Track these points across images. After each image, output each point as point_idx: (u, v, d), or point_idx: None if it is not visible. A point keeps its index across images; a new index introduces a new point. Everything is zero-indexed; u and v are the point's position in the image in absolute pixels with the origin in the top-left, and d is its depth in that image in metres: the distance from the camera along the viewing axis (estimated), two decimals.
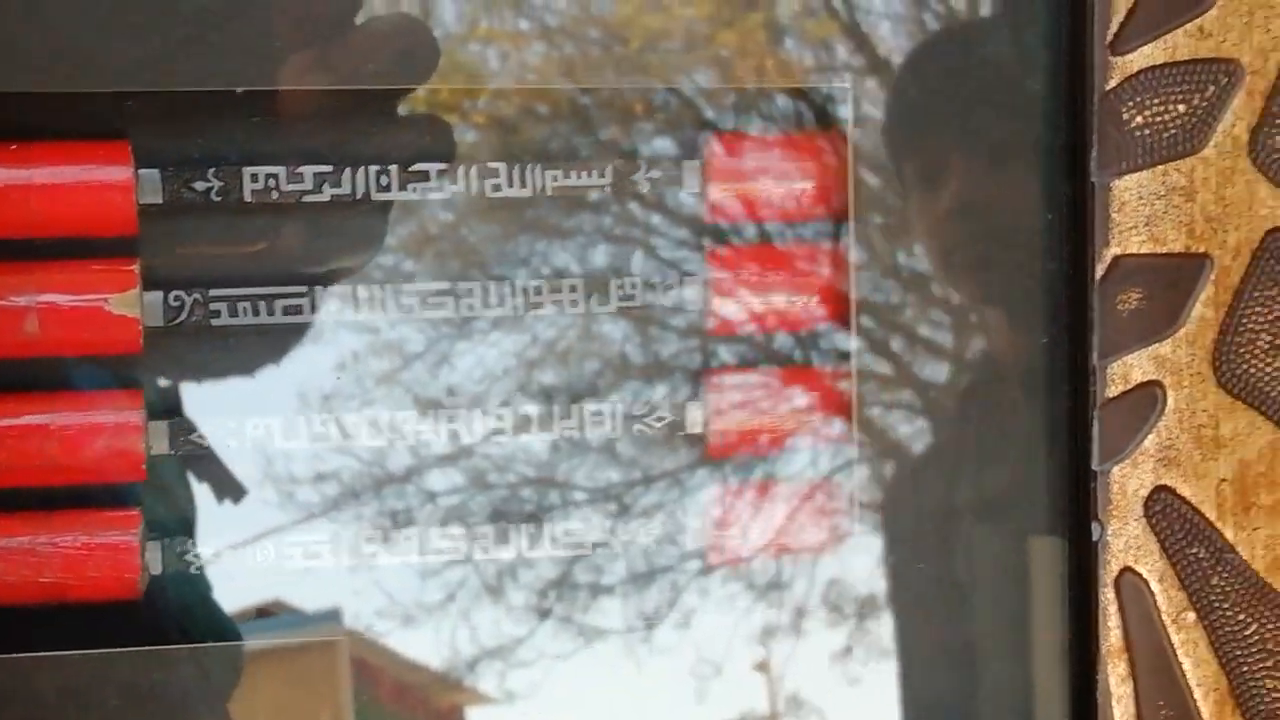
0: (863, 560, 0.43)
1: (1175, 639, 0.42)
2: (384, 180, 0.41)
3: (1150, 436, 0.41)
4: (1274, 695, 0.42)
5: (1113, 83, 0.40)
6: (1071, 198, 0.41)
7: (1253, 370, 0.41)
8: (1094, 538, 0.41)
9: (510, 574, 0.43)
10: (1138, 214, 0.41)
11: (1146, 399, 0.41)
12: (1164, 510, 0.41)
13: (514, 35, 0.41)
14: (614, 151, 0.41)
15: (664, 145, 0.42)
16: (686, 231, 0.42)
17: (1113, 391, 0.41)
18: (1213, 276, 0.41)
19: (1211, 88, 0.41)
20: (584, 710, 0.44)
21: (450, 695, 0.44)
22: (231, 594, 0.42)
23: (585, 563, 0.44)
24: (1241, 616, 0.42)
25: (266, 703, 0.43)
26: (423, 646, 0.44)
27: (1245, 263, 0.41)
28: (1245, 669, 0.42)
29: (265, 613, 0.43)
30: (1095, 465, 0.41)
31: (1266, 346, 0.41)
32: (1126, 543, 0.41)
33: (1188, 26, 0.40)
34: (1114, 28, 0.40)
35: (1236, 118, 0.41)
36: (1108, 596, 0.41)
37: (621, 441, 0.43)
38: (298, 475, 0.43)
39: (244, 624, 0.43)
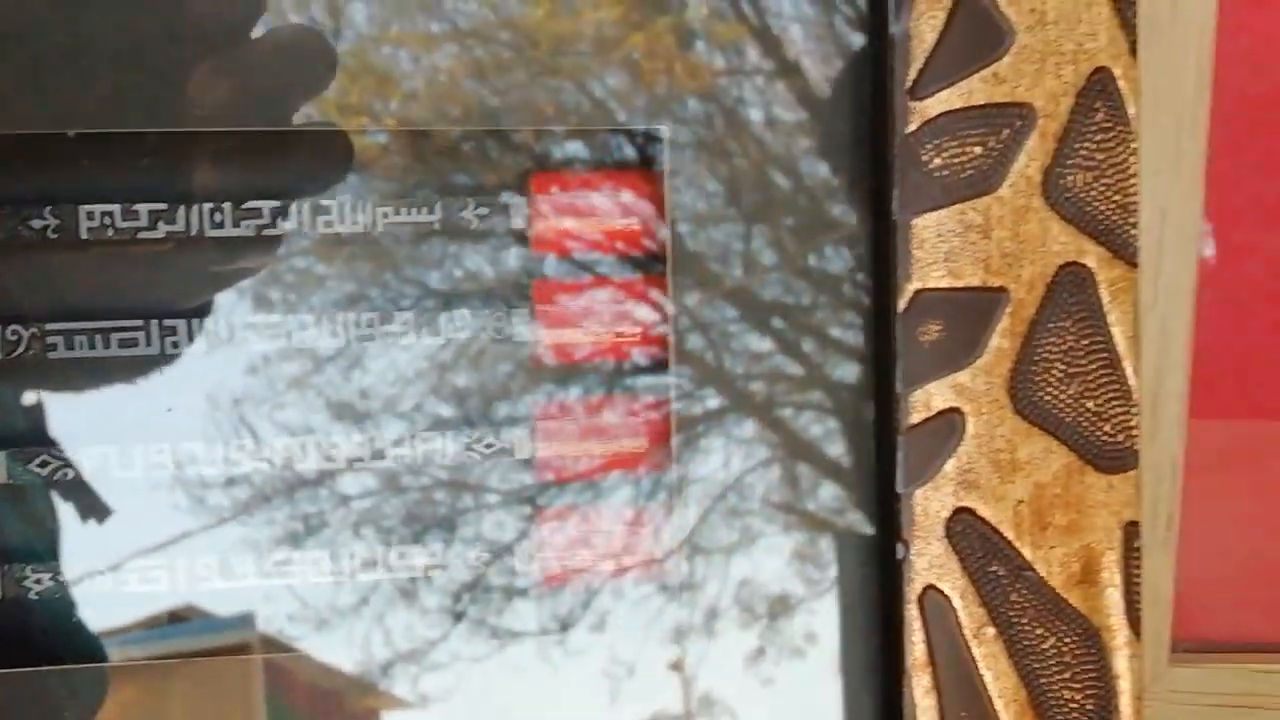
0: (676, 580, 0.45)
1: (976, 652, 0.44)
2: (218, 217, 0.42)
3: (951, 461, 0.43)
4: (1071, 705, 0.44)
5: (912, 126, 0.43)
6: (876, 235, 0.44)
7: (1047, 397, 0.44)
8: (899, 557, 0.44)
9: (424, 577, 0.45)
10: (937, 250, 0.43)
11: (947, 425, 0.43)
12: (965, 531, 0.44)
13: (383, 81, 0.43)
14: (445, 188, 0.43)
15: (492, 182, 0.43)
16: (515, 265, 0.44)
17: (915, 419, 0.43)
18: (1009, 309, 0.43)
19: (1006, 131, 0.43)
20: (498, 713, 0.45)
21: (364, 699, 0.45)
22: (141, 600, 0.43)
23: (499, 565, 0.45)
24: (1039, 630, 0.44)
25: (178, 708, 0.43)
26: (336, 650, 0.44)
27: (1039, 296, 0.43)
28: (1043, 680, 0.44)
29: (178, 618, 0.44)
30: (900, 488, 0.43)
31: (1060, 375, 0.44)
32: (930, 562, 0.44)
33: (983, 73, 0.43)
34: (913, 74, 0.42)
35: (1030, 159, 0.43)
36: (912, 613, 0.44)
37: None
38: (208, 479, 0.43)
39: (157, 629, 0.43)
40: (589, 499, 0.45)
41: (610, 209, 0.44)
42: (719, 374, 0.45)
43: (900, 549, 0.44)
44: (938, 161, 0.43)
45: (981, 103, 0.43)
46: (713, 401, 0.45)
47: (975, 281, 0.43)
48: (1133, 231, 0.44)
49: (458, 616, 0.45)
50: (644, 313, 0.44)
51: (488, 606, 0.45)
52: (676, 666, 0.45)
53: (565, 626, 0.45)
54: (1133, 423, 0.44)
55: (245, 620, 0.44)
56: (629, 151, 0.44)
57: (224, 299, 0.43)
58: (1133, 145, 0.44)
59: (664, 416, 0.44)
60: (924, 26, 0.42)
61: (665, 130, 0.43)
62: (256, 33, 0.42)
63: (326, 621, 0.44)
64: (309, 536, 0.44)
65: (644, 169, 0.44)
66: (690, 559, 0.45)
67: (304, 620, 0.44)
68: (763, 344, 0.45)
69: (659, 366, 0.44)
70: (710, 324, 0.44)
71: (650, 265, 0.44)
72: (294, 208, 0.42)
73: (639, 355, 0.44)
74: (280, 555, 0.44)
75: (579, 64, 0.44)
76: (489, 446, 0.44)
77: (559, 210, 0.43)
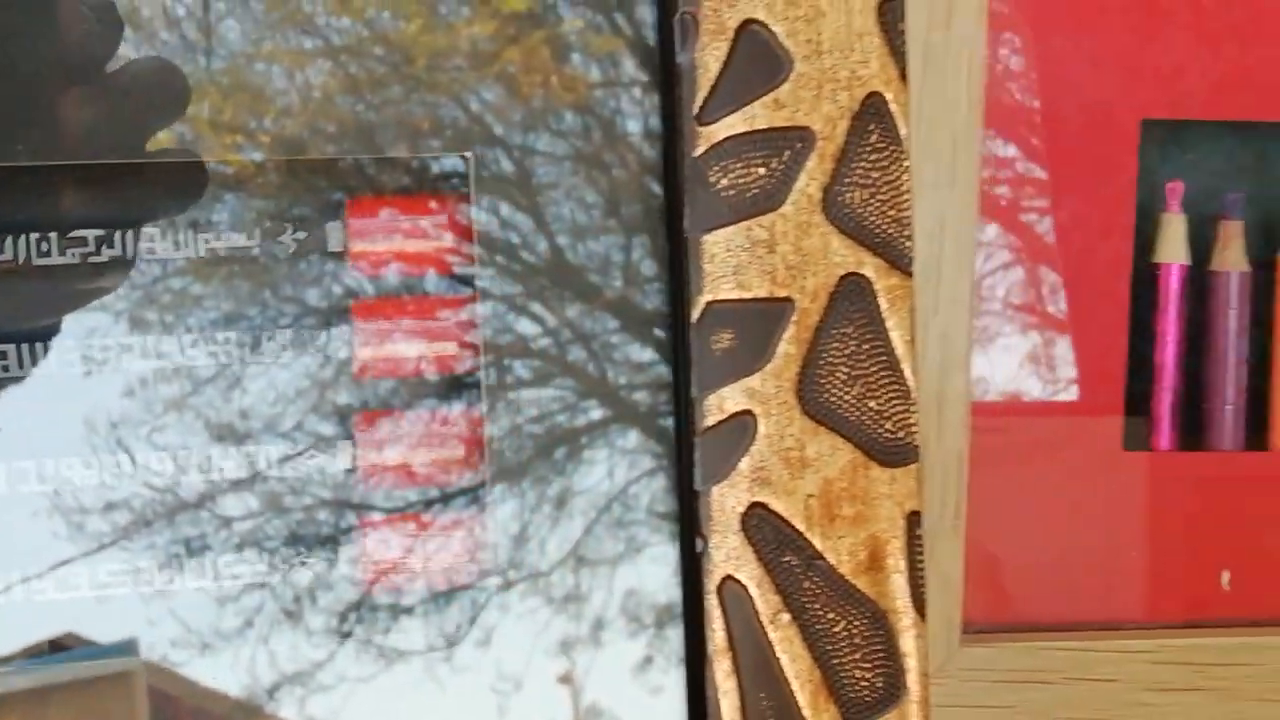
0: (493, 581, 0.47)
1: (773, 637, 0.47)
2: (44, 247, 0.44)
3: (745, 459, 0.47)
4: (863, 684, 0.48)
5: (700, 150, 0.46)
6: (671, 251, 0.47)
7: (833, 399, 0.47)
8: (698, 550, 0.47)
9: (309, 597, 0.46)
10: (726, 264, 0.46)
11: (740, 427, 0.47)
12: (759, 524, 0.47)
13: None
14: (265, 213, 0.45)
15: (310, 207, 0.46)
16: (334, 286, 0.46)
17: (710, 421, 0.46)
18: (794, 318, 0.47)
19: (787, 152, 0.46)
20: None
21: None
22: (20, 629, 0.43)
23: (385, 583, 0.46)
24: (831, 615, 0.48)
25: None
26: (221, 674, 0.45)
27: (823, 305, 0.47)
28: (835, 661, 0.48)
29: (59, 646, 0.44)
30: (698, 486, 0.47)
31: (844, 377, 0.47)
32: (727, 554, 0.47)
33: (764, 99, 0.46)
34: (700, 101, 0.46)
35: (810, 178, 0.46)
36: (712, 602, 0.47)
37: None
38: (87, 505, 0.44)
39: (37, 658, 0.43)
40: (474, 512, 0.47)
41: (424, 231, 0.46)
42: (526, 389, 0.47)
43: (699, 543, 0.47)
44: (725, 182, 0.46)
45: (764, 127, 0.46)
46: (519, 411, 0.47)
47: (763, 293, 0.46)
48: (907, 243, 0.47)
49: (344, 636, 0.46)
50: (457, 328, 0.47)
51: (374, 626, 0.46)
52: (565, 679, 0.48)
53: (452, 643, 0.47)
54: (912, 420, 0.48)
55: (128, 646, 0.44)
56: (440, 175, 0.46)
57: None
58: (905, 164, 0.47)
59: (476, 429, 0.47)
60: (708, 57, 0.46)
61: (469, 158, 0.46)
62: (113, 66, 0.44)
63: (210, 645, 0.45)
64: (191, 559, 0.45)
65: (455, 192, 0.46)
66: (576, 571, 0.48)
67: (187, 645, 0.45)
68: (577, 354, 0.48)
69: (470, 379, 0.47)
70: (525, 337, 0.47)
71: (461, 285, 0.46)
72: (118, 236, 0.44)
73: (455, 367, 0.47)
74: (162, 579, 0.45)
75: (455, 79, 0.46)
76: (312, 458, 0.46)
77: (374, 232, 0.46)
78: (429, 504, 0.47)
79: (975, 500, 0.54)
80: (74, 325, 0.44)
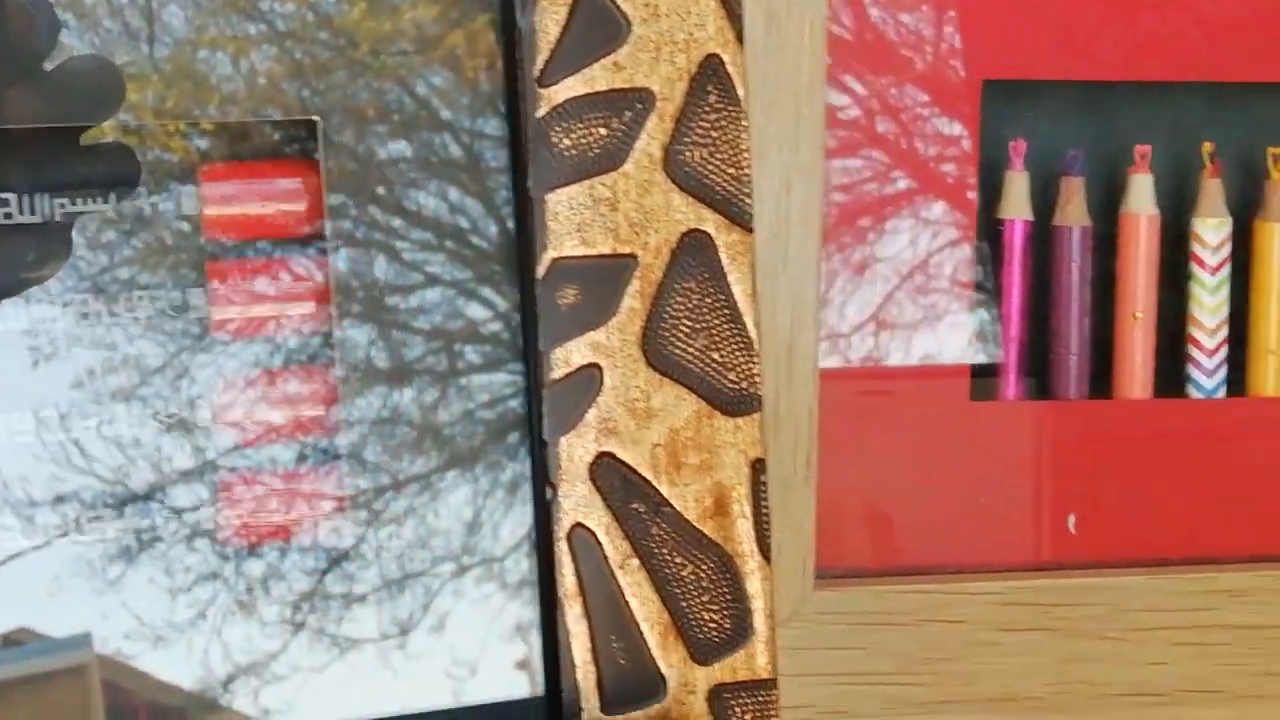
0: (347, 541, 0.49)
1: (622, 582, 0.49)
2: None
3: (592, 411, 0.48)
4: (711, 625, 0.50)
5: (542, 111, 0.47)
6: (517, 210, 0.48)
7: (676, 351, 0.49)
8: (548, 499, 0.48)
9: (262, 587, 0.46)
10: (570, 222, 0.48)
11: (586, 379, 0.48)
12: (607, 473, 0.48)
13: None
14: (123, 179, 0.46)
15: (166, 172, 0.47)
16: (188, 249, 0.47)
17: (558, 374, 0.48)
18: (638, 273, 0.48)
19: (628, 113, 0.48)
20: None
21: (205, 715, 0.46)
22: None
23: (337, 572, 0.47)
24: (679, 560, 0.49)
25: None
26: (176, 667, 0.45)
27: (665, 260, 0.49)
28: (684, 604, 0.49)
29: (13, 641, 0.44)
30: (546, 437, 0.48)
31: (688, 330, 0.49)
32: (576, 502, 0.48)
33: (604, 61, 0.48)
34: (540, 64, 0.47)
35: (650, 138, 0.48)
36: (562, 548, 0.48)
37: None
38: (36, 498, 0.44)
39: None
40: (426, 500, 0.48)
41: (275, 194, 0.47)
42: (380, 345, 0.49)
43: (549, 491, 0.48)
44: (567, 142, 0.48)
45: (604, 89, 0.48)
46: (375, 366, 0.49)
47: (606, 249, 0.48)
48: (747, 201, 0.49)
49: (297, 626, 0.47)
50: (312, 289, 0.48)
51: (327, 615, 0.47)
52: (523, 665, 0.49)
53: (405, 630, 0.48)
54: (755, 371, 0.49)
55: (82, 640, 0.44)
56: (292, 141, 0.47)
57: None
58: (744, 124, 0.49)
59: (329, 383, 0.48)
60: (548, 20, 0.47)
61: (319, 121, 0.47)
62: (50, 65, 0.44)
63: (164, 638, 0.45)
64: (142, 551, 0.45)
65: (305, 158, 0.48)
66: (531, 555, 0.49)
67: (141, 638, 0.45)
68: (421, 314, 0.49)
69: (326, 337, 0.48)
70: (373, 299, 0.48)
71: (310, 243, 0.48)
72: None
73: (306, 328, 0.48)
74: (114, 571, 0.45)
75: (401, 62, 0.47)
76: (170, 416, 0.47)
77: (227, 198, 0.47)
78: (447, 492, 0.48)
79: (831, 452, 0.56)
80: None
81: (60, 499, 0.45)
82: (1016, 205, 0.58)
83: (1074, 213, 0.58)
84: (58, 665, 0.44)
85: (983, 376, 0.58)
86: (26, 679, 0.43)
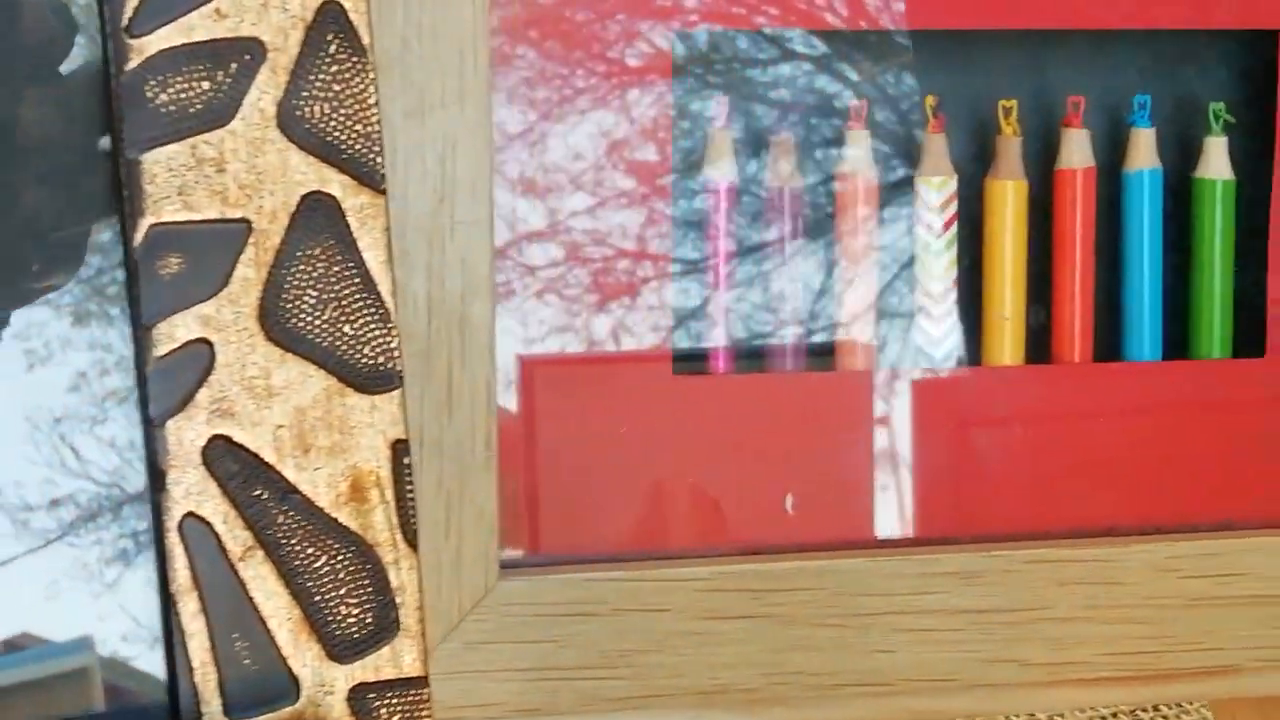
0: None
1: (245, 575, 0.45)
2: None
3: (203, 390, 0.44)
4: (350, 620, 0.46)
5: (134, 64, 0.43)
6: (115, 172, 0.44)
7: (301, 324, 0.45)
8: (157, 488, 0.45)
9: None
10: (170, 184, 0.44)
11: (195, 356, 0.44)
12: (222, 458, 0.45)
13: None
14: None
15: None
16: None
17: (162, 350, 0.44)
18: (252, 240, 0.44)
19: (234, 65, 0.44)
20: None
21: None
22: None
23: None
24: (311, 550, 0.46)
25: None
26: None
27: (284, 226, 0.45)
28: (318, 598, 0.46)
29: (14, 646, 0.44)
30: (153, 419, 0.44)
31: (314, 301, 0.45)
32: (187, 490, 0.45)
33: (203, 9, 0.44)
34: (129, 13, 0.43)
35: (262, 92, 0.44)
36: (174, 540, 0.45)
37: None
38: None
39: None
40: None
41: None
42: None
43: (158, 478, 0.45)
44: (164, 97, 0.44)
45: (205, 38, 0.44)
46: None
47: (213, 214, 0.44)
48: (377, 159, 0.45)
49: None
50: None
51: None
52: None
53: None
54: (393, 344, 0.46)
55: (83, 643, 0.44)
56: None
57: None
58: (371, 76, 0.45)
59: None
60: None
61: None
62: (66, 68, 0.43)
63: (161, 639, 0.44)
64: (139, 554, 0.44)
65: None
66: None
67: (138, 639, 0.44)
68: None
69: None
70: None
71: None
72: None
73: None
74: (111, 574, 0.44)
75: None
76: None
77: None
78: None
79: (523, 435, 0.52)
80: None
81: (55, 502, 0.44)
82: (722, 167, 0.54)
83: (784, 172, 0.55)
84: (60, 669, 0.44)
85: (694, 356, 0.55)
86: (29, 684, 0.44)
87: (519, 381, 0.53)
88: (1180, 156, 0.57)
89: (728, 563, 0.54)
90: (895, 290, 0.56)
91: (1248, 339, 0.57)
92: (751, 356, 0.55)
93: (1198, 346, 0.57)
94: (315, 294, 0.45)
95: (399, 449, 0.46)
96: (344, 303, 0.45)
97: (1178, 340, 0.58)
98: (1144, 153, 0.56)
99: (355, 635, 0.46)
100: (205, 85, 0.44)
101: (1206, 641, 0.56)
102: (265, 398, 0.45)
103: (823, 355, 0.55)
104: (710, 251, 0.54)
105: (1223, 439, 0.57)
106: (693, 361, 0.54)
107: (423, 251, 0.49)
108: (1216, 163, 0.57)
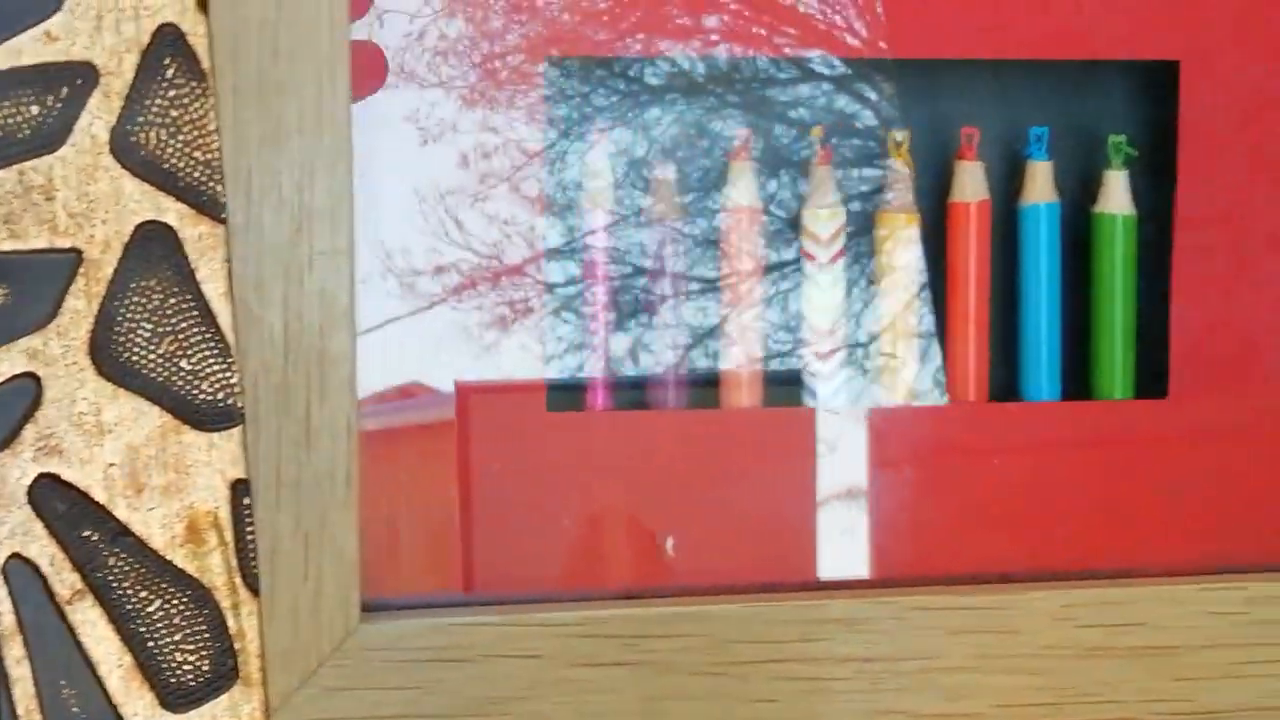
0: None
1: (73, 620, 0.43)
2: None
3: (30, 427, 0.43)
4: (186, 667, 0.44)
5: None
6: None
7: (135, 358, 0.43)
8: None
9: None
10: None
11: (20, 391, 0.43)
12: (48, 497, 0.43)
13: None
14: None
15: None
16: None
17: None
18: (83, 270, 0.43)
19: (65, 89, 0.42)
20: None
21: None
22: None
23: None
24: (144, 594, 0.44)
25: None
26: None
27: (117, 255, 0.43)
28: (152, 644, 0.44)
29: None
30: None
31: (149, 335, 0.43)
32: (12, 529, 0.43)
33: (34, 31, 0.42)
34: None
35: (95, 117, 0.43)
36: None
37: None
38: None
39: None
40: None
41: None
42: None
43: None
44: None
45: (34, 62, 0.42)
46: None
47: (41, 244, 0.43)
48: (217, 188, 0.44)
49: None
50: None
51: None
52: None
53: None
54: (233, 380, 0.44)
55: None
56: None
57: None
58: (211, 102, 0.44)
59: None
60: None
61: None
62: None
63: None
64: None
65: None
66: None
67: None
68: None
69: None
70: None
71: None
72: None
73: None
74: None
75: None
76: None
77: None
78: None
79: (388, 473, 0.51)
80: None
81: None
82: (601, 200, 0.53)
83: (665, 206, 0.53)
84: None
85: (571, 388, 0.53)
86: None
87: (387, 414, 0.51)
88: (1081, 190, 0.56)
89: (601, 607, 0.52)
90: (787, 325, 0.54)
91: (1150, 379, 0.56)
92: (634, 388, 0.53)
93: (1099, 387, 0.56)
94: (150, 327, 0.43)
95: (239, 489, 0.44)
96: (181, 336, 0.44)
97: (1079, 380, 0.56)
98: (1041, 186, 0.55)
99: (191, 683, 0.44)
100: (34, 110, 0.42)
101: (1103, 694, 0.54)
102: (96, 435, 0.43)
103: (707, 388, 0.54)
104: (590, 288, 0.52)
105: (1123, 483, 0.55)
106: (570, 393, 0.53)
107: (279, 283, 0.48)
108: (1117, 197, 0.55)
